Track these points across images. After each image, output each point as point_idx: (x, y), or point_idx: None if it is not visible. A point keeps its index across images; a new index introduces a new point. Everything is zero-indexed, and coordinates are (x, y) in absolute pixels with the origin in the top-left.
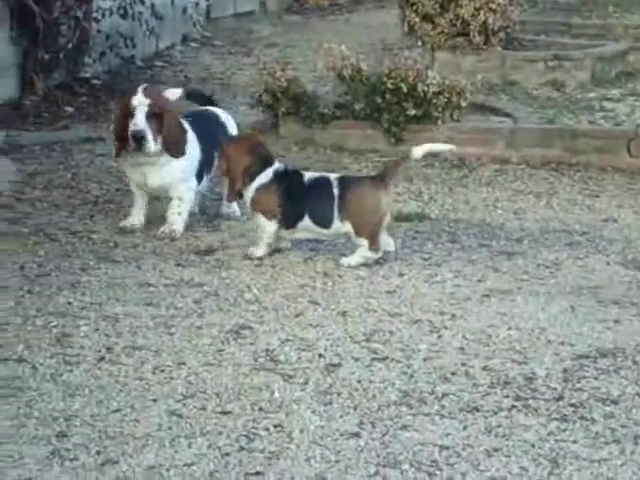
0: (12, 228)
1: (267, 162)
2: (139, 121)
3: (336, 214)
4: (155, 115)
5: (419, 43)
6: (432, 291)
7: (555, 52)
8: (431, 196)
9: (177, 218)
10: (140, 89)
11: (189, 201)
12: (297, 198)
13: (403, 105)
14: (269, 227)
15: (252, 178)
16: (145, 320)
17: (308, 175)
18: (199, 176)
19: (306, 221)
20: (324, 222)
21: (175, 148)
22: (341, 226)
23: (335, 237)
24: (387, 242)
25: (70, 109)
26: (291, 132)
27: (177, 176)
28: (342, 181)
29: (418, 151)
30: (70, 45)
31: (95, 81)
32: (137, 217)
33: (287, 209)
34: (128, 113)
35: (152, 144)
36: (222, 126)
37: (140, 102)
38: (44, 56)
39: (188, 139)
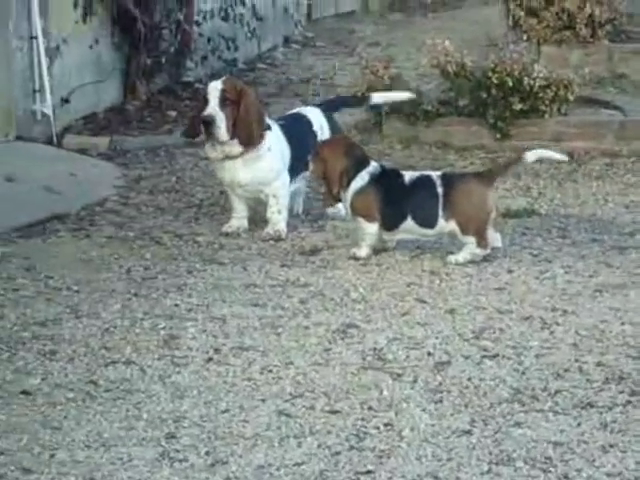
0: (118, 232)
1: (362, 164)
2: (210, 106)
3: (441, 213)
4: (231, 102)
5: (524, 37)
6: (543, 287)
7: None
8: (540, 191)
9: (278, 217)
10: (222, 78)
11: (285, 197)
12: (398, 199)
13: (509, 100)
14: (370, 229)
15: (349, 181)
16: (252, 321)
17: (408, 175)
18: (291, 174)
19: (409, 222)
20: (428, 222)
21: (247, 137)
22: (445, 225)
23: (438, 237)
24: (494, 238)
25: (173, 113)
26: (395, 130)
27: (266, 174)
28: (445, 179)
29: (531, 156)
30: (172, 49)
31: (198, 85)
32: (238, 221)
33: (388, 211)
34: (205, 99)
35: (223, 131)
36: (311, 126)
37: (214, 87)
38: (146, 61)
39: (271, 137)
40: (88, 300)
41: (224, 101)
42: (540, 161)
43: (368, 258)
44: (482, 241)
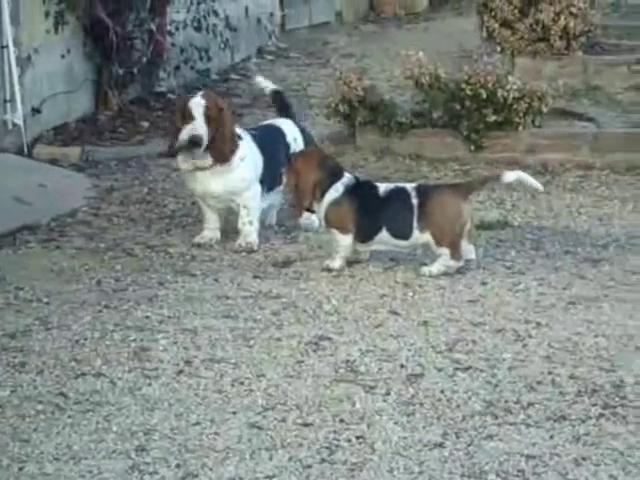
0: (89, 244)
1: (336, 176)
2: (199, 125)
3: (415, 225)
4: (211, 119)
5: (498, 49)
6: (516, 299)
7: (638, 56)
8: (513, 203)
9: (249, 228)
10: (200, 93)
11: (256, 208)
12: (373, 211)
13: (483, 111)
14: (344, 241)
15: (322, 193)
16: (224, 333)
17: (383, 186)
18: (267, 188)
19: (383, 234)
20: (403, 234)
21: (221, 154)
22: (420, 237)
23: (412, 248)
24: (468, 250)
25: (145, 124)
26: (368, 142)
27: (237, 184)
28: (420, 190)
29: (510, 176)
30: (144, 59)
31: (170, 95)
32: (210, 232)
33: (362, 223)
34: (186, 114)
35: (204, 147)
36: (284, 137)
37: (198, 104)
38: (118, 71)
39: (243, 147)
40: (58, 312)
41: (207, 118)
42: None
43: (342, 270)
44: (456, 253)
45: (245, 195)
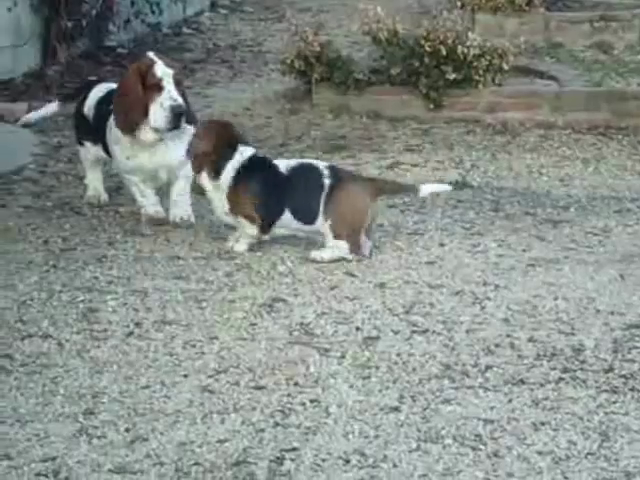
0: (36, 202)
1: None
2: (177, 95)
3: (322, 208)
4: (177, 87)
5: (458, 5)
6: (475, 261)
7: (602, 13)
8: (473, 163)
9: (186, 198)
10: (155, 56)
11: (190, 180)
12: (277, 193)
13: (442, 69)
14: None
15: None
16: (175, 294)
17: (284, 164)
18: None
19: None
20: (308, 219)
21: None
22: (322, 223)
23: (311, 234)
24: (365, 245)
25: (95, 79)
26: (325, 99)
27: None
28: (333, 171)
29: (426, 189)
30: (94, 12)
31: (120, 49)
32: (155, 206)
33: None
34: (153, 84)
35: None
36: None
37: (166, 73)
38: (67, 24)
39: None
40: (4, 272)
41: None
42: (474, 132)
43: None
44: (354, 246)
45: (187, 166)
